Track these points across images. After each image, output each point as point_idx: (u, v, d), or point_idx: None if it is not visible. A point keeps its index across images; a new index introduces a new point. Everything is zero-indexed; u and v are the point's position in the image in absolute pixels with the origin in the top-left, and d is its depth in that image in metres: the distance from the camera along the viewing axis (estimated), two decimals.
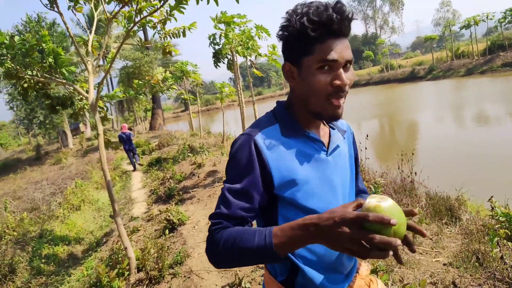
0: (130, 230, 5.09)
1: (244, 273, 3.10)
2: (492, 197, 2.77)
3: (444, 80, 31.67)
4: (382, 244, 0.60)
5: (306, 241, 0.71)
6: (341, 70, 0.85)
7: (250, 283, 2.95)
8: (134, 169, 10.60)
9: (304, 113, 0.95)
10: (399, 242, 0.61)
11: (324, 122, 1.04)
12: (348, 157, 1.08)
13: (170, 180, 7.48)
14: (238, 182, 0.87)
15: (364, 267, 1.14)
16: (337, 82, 0.85)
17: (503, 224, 2.72)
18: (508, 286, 2.33)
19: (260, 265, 3.23)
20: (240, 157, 0.89)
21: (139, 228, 5.24)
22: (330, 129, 1.04)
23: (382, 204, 0.65)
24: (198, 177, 7.08)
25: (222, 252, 0.80)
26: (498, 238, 2.55)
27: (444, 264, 2.83)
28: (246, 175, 0.87)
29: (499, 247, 2.56)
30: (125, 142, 10.03)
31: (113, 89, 35.75)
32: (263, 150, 0.88)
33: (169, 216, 4.82)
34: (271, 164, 0.88)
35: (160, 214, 5.42)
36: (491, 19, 31.79)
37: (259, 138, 0.90)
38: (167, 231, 4.66)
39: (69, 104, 4.38)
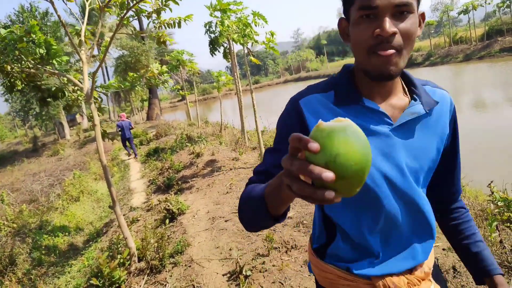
0: (130, 220, 5.09)
1: (245, 261, 3.11)
2: (491, 182, 2.78)
3: (442, 66, 31.54)
4: (302, 172, 0.44)
5: (281, 189, 0.57)
6: (386, 18, 0.71)
7: (251, 270, 2.96)
8: (131, 157, 10.74)
9: (363, 77, 0.84)
10: (328, 174, 0.42)
11: (406, 91, 0.89)
12: (433, 137, 0.87)
13: (168, 170, 7.46)
14: (277, 143, 0.86)
15: (425, 269, 0.91)
16: (377, 31, 0.72)
17: (502, 209, 2.74)
18: (507, 270, 2.35)
19: (261, 252, 3.24)
20: (281, 123, 0.89)
21: (138, 218, 5.25)
22: (413, 100, 0.86)
23: (324, 124, 0.46)
24: (197, 166, 7.07)
25: (239, 205, 0.79)
26: (497, 223, 2.56)
27: (444, 249, 2.85)
28: (286, 136, 0.82)
29: (498, 231, 2.58)
30: (123, 130, 10.12)
31: (109, 79, 35.45)
32: (306, 115, 0.84)
33: (168, 206, 4.83)
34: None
35: (159, 204, 5.42)
36: (490, 3, 31.48)
37: (304, 103, 0.86)
38: (167, 221, 4.66)
39: (60, 95, 4.31)
